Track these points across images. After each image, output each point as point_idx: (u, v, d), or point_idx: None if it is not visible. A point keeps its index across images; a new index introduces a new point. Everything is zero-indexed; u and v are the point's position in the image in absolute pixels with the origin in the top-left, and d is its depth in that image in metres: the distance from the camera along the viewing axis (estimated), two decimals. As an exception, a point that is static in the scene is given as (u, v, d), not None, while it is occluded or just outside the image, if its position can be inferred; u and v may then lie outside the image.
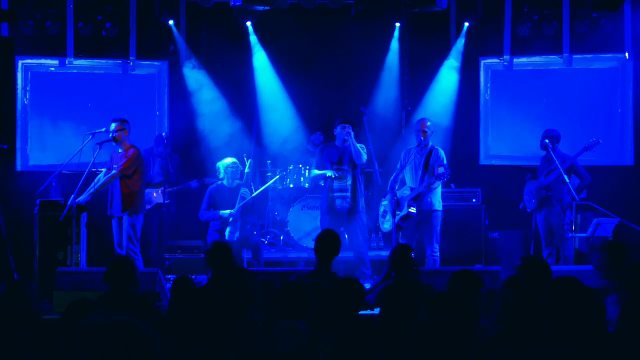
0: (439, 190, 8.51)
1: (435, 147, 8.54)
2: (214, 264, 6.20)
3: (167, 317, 5.01)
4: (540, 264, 5.19)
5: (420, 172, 8.42)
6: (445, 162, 8.37)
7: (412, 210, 8.32)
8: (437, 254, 8.36)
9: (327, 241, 6.06)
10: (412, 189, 8.41)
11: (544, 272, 4.97)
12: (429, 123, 8.56)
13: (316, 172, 8.85)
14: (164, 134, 9.94)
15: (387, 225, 8.63)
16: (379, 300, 5.62)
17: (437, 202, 8.45)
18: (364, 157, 8.64)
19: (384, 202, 8.72)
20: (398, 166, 8.62)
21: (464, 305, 3.61)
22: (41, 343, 3.64)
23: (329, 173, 8.67)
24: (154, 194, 9.50)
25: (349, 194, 8.67)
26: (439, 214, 8.46)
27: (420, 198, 8.36)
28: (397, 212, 8.42)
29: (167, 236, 9.62)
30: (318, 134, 10.57)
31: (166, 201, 9.35)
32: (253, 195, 9.06)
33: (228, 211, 8.79)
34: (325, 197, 8.76)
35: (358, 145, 8.61)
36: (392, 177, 8.66)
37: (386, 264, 6.17)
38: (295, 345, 3.97)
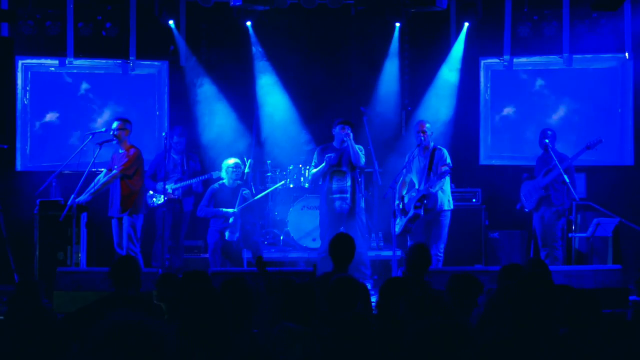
0: (448, 189, 8.42)
1: (439, 147, 8.48)
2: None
3: (177, 315, 4.97)
4: (518, 271, 5.09)
5: (425, 173, 8.35)
6: (449, 161, 8.31)
7: (418, 211, 8.22)
8: (442, 254, 8.32)
9: (343, 245, 5.94)
10: (418, 190, 8.36)
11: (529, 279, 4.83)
12: (427, 125, 8.54)
13: (315, 170, 8.82)
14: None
15: (397, 228, 8.45)
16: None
17: (447, 202, 8.38)
18: (363, 159, 8.62)
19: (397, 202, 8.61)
20: (403, 171, 8.50)
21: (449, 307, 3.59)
22: (54, 339, 3.64)
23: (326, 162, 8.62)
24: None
25: (348, 195, 8.65)
26: (448, 213, 8.39)
27: (428, 198, 8.25)
28: (404, 215, 8.37)
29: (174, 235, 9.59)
30: (303, 133, 10.59)
31: (176, 196, 9.27)
32: (256, 198, 9.04)
33: (231, 210, 8.77)
34: (325, 198, 8.74)
35: (357, 146, 8.60)
36: (399, 180, 8.51)
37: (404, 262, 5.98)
38: (295, 348, 3.96)
